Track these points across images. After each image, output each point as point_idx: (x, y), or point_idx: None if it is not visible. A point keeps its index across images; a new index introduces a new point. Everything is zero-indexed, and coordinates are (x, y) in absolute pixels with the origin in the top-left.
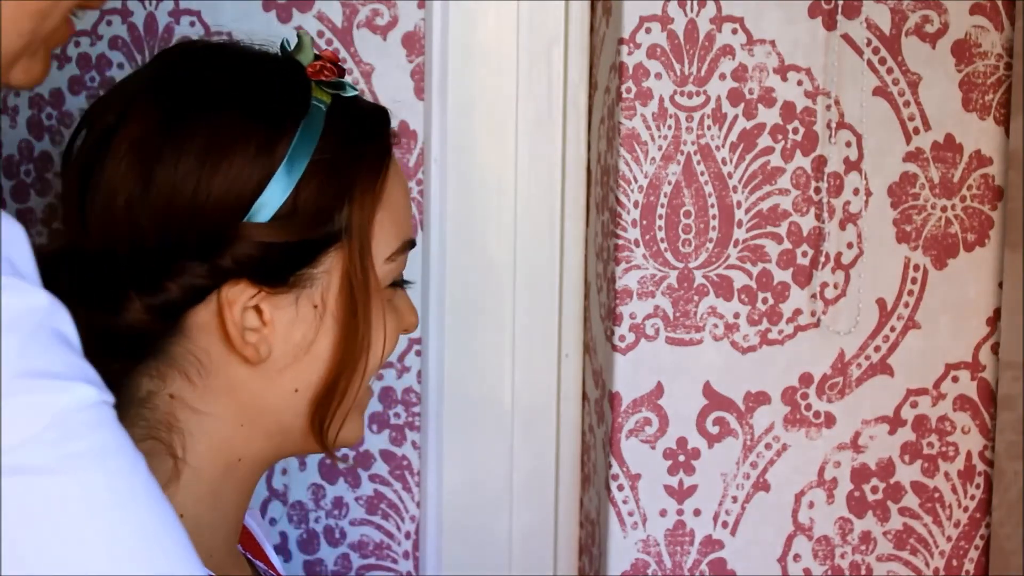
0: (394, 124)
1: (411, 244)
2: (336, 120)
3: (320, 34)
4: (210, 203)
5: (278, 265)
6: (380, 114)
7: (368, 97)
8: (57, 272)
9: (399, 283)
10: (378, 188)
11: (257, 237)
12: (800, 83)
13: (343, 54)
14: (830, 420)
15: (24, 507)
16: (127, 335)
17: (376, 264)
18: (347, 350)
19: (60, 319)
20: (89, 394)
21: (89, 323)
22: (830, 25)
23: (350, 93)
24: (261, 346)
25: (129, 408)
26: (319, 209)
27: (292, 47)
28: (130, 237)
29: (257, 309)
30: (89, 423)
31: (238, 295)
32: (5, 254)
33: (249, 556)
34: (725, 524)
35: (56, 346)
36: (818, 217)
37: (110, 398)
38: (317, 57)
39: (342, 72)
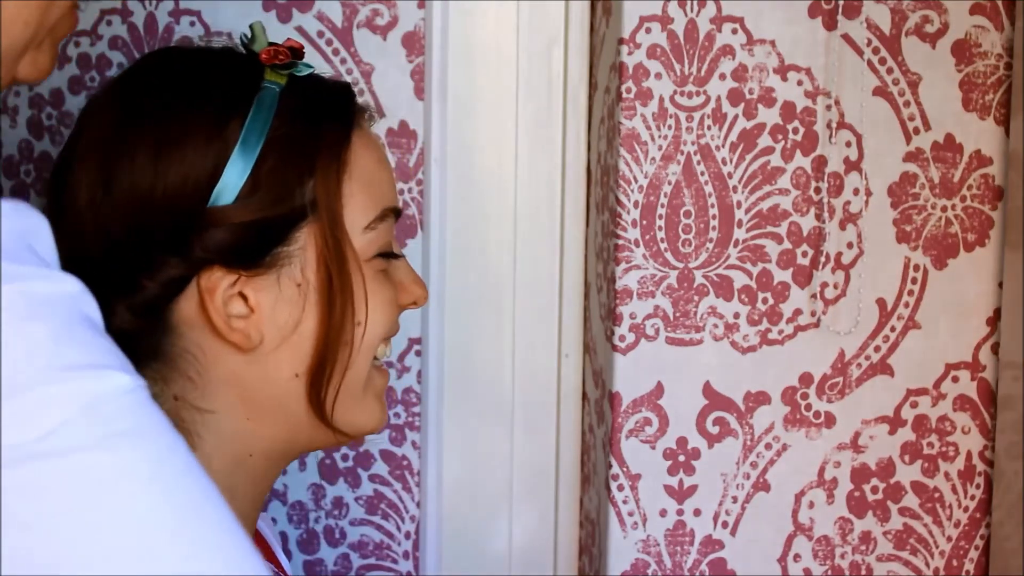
0: (394, 124)
1: (395, 212)
2: (291, 99)
3: (320, 34)
4: (169, 194)
5: (249, 246)
6: (340, 88)
7: (367, 97)
8: None
9: (390, 254)
10: (343, 159)
11: (222, 220)
12: (800, 83)
13: (343, 54)
14: (830, 420)
15: (66, 489)
16: (120, 338)
17: (353, 235)
18: (331, 323)
19: (89, 304)
20: (124, 381)
21: None
22: (830, 25)
23: (304, 72)
24: (251, 332)
25: None
26: (280, 185)
27: (249, 40)
28: (100, 240)
29: (243, 296)
30: (126, 407)
31: (217, 282)
32: (29, 243)
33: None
34: (725, 524)
35: (89, 333)
36: (818, 217)
37: (143, 382)
38: (271, 44)
39: (299, 55)
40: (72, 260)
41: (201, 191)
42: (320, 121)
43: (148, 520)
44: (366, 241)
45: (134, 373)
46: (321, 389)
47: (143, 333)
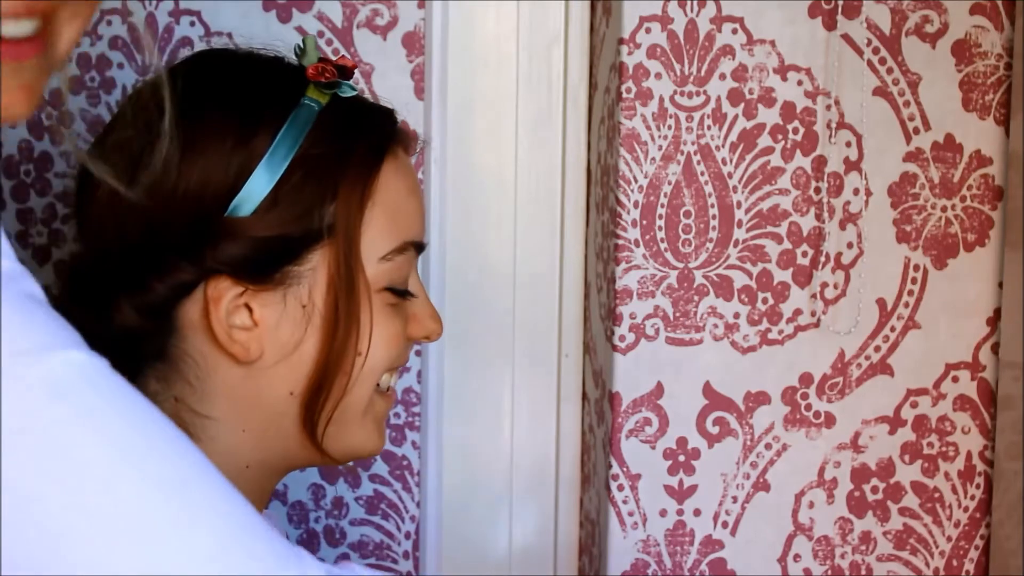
0: None
1: (417, 247)
2: (329, 118)
3: (320, 34)
4: (189, 196)
5: (261, 261)
6: (380, 113)
7: (367, 97)
8: (63, 280)
9: (403, 292)
10: (369, 186)
11: (237, 231)
12: (800, 83)
13: (343, 54)
14: (830, 420)
15: (43, 467)
16: (125, 336)
17: (367, 263)
18: (332, 350)
19: (30, 283)
20: (80, 357)
21: (87, 327)
22: (830, 25)
23: (348, 93)
24: (252, 345)
25: None
26: (300, 204)
27: (300, 53)
28: (116, 235)
29: (248, 308)
30: (88, 383)
31: (223, 292)
32: None
33: None
34: (725, 524)
35: (38, 313)
36: (818, 217)
37: (100, 358)
38: (322, 60)
39: (347, 74)
40: (91, 253)
41: (221, 198)
42: (352, 145)
43: (132, 495)
44: (380, 271)
45: (88, 348)
46: (315, 412)
47: (147, 333)
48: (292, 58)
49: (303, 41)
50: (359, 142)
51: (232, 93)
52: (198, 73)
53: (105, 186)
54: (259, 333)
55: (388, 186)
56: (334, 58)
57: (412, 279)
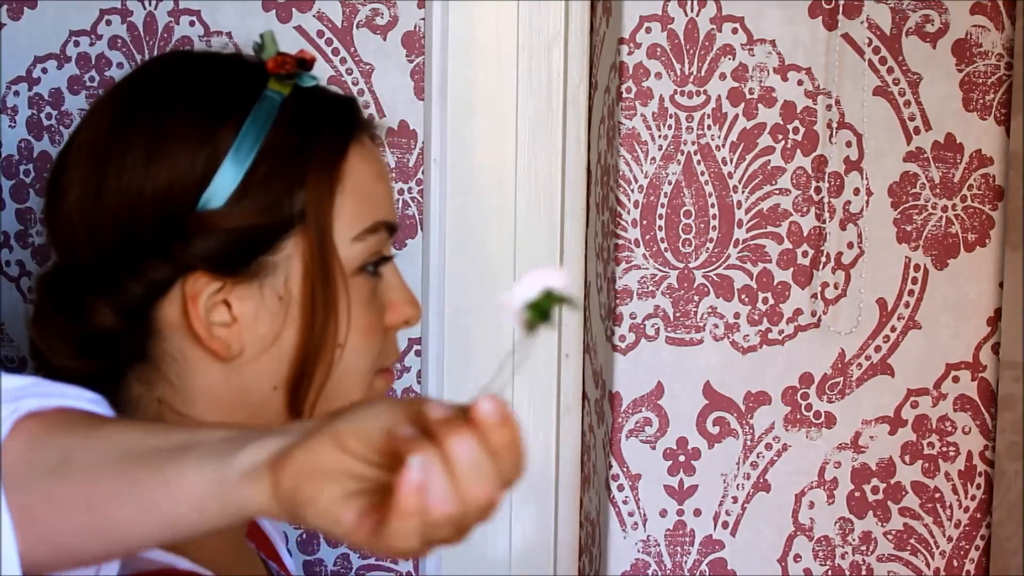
0: (394, 124)
1: (388, 227)
2: (292, 108)
3: (320, 34)
4: (158, 195)
5: (235, 253)
6: (342, 101)
7: (367, 97)
8: (40, 285)
9: (377, 262)
10: (337, 171)
11: (209, 225)
12: (800, 83)
13: (343, 54)
14: (830, 420)
15: None
16: (104, 337)
17: (340, 245)
18: (311, 338)
19: None
20: None
21: (67, 330)
22: (830, 25)
23: (309, 83)
24: (232, 341)
25: (125, 412)
26: (270, 193)
27: (259, 48)
28: (89, 239)
29: (227, 304)
30: None
31: (201, 288)
32: None
33: (263, 555)
34: (725, 524)
35: None
36: (818, 217)
37: None
38: (281, 53)
39: (307, 66)
40: (64, 257)
41: (190, 195)
42: (317, 132)
43: None
44: (353, 252)
45: None
46: (300, 405)
47: (127, 334)
48: (252, 55)
49: (260, 36)
50: (324, 129)
51: (194, 91)
52: (158, 76)
53: (75, 191)
54: (239, 328)
55: (356, 171)
56: (334, 58)
57: (388, 267)
